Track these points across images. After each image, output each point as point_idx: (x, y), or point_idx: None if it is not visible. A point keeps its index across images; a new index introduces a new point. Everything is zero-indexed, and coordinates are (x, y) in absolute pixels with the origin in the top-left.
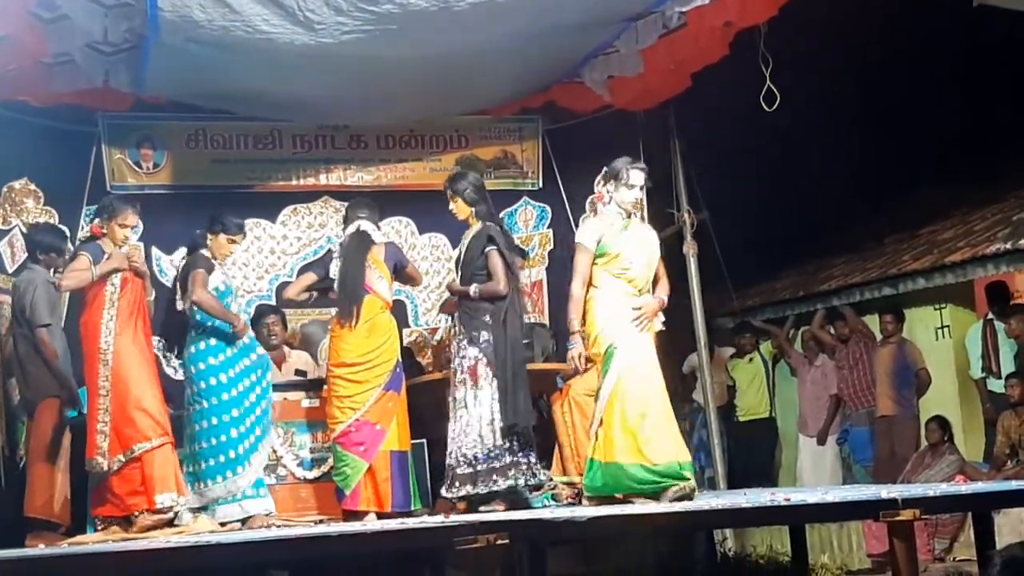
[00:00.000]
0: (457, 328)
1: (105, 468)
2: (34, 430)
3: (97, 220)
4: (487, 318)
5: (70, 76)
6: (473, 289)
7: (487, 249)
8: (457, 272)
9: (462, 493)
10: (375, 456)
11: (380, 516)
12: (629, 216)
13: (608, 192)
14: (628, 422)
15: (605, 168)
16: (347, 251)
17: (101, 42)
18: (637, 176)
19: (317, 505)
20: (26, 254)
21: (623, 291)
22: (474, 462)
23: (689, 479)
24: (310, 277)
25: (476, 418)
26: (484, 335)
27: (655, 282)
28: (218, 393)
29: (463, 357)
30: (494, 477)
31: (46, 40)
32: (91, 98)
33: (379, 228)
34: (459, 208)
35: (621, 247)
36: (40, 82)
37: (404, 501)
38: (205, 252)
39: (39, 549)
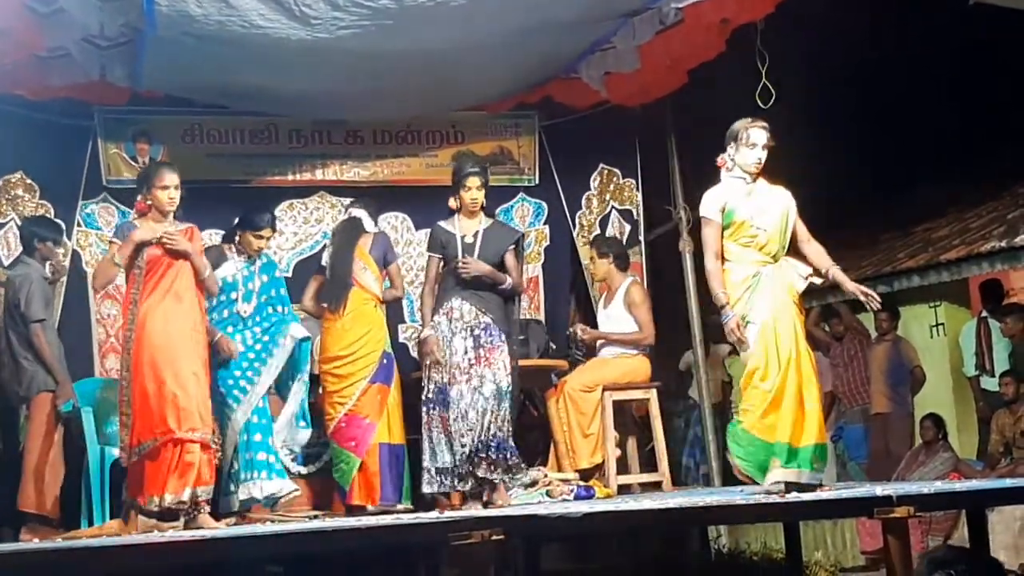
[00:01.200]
0: (478, 318)
1: (125, 463)
2: (28, 425)
3: (140, 197)
4: (498, 312)
5: (66, 70)
6: (509, 283)
7: (511, 247)
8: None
9: (495, 478)
10: (367, 450)
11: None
12: (755, 179)
13: (729, 156)
14: (763, 396)
15: (726, 132)
16: (337, 238)
17: (97, 36)
18: (758, 134)
19: (312, 500)
20: (21, 248)
21: (754, 260)
22: (511, 450)
23: (799, 469)
24: (318, 279)
25: (509, 407)
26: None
27: (803, 245)
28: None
29: (502, 348)
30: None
31: (41, 34)
32: (87, 92)
33: (373, 219)
34: (480, 199)
35: (746, 213)
36: (35, 76)
37: (392, 495)
38: (228, 249)
39: (33, 543)
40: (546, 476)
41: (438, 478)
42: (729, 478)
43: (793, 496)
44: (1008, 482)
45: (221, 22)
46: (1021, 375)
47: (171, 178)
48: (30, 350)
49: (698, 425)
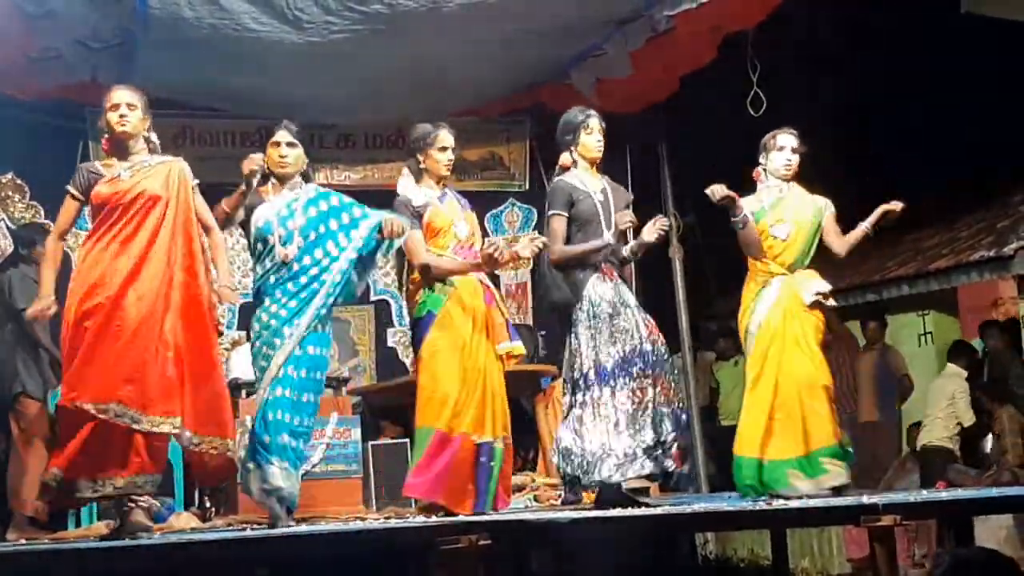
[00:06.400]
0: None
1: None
2: (16, 423)
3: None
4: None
5: (57, 71)
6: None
7: (625, 209)
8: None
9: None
10: None
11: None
12: (788, 186)
13: (762, 166)
14: (755, 413)
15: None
16: None
17: (89, 38)
18: (786, 138)
19: (300, 503)
20: (10, 250)
21: (769, 270)
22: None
23: (796, 485)
24: None
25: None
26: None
27: (825, 240)
28: None
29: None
30: None
31: (33, 35)
32: (79, 93)
33: None
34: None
35: (766, 222)
36: (27, 77)
37: None
38: (265, 192)
39: (19, 544)
40: (534, 481)
41: (636, 462)
42: (717, 484)
43: (780, 504)
44: (994, 491)
45: (213, 25)
46: (997, 392)
47: (120, 95)
48: (25, 348)
49: (686, 431)
